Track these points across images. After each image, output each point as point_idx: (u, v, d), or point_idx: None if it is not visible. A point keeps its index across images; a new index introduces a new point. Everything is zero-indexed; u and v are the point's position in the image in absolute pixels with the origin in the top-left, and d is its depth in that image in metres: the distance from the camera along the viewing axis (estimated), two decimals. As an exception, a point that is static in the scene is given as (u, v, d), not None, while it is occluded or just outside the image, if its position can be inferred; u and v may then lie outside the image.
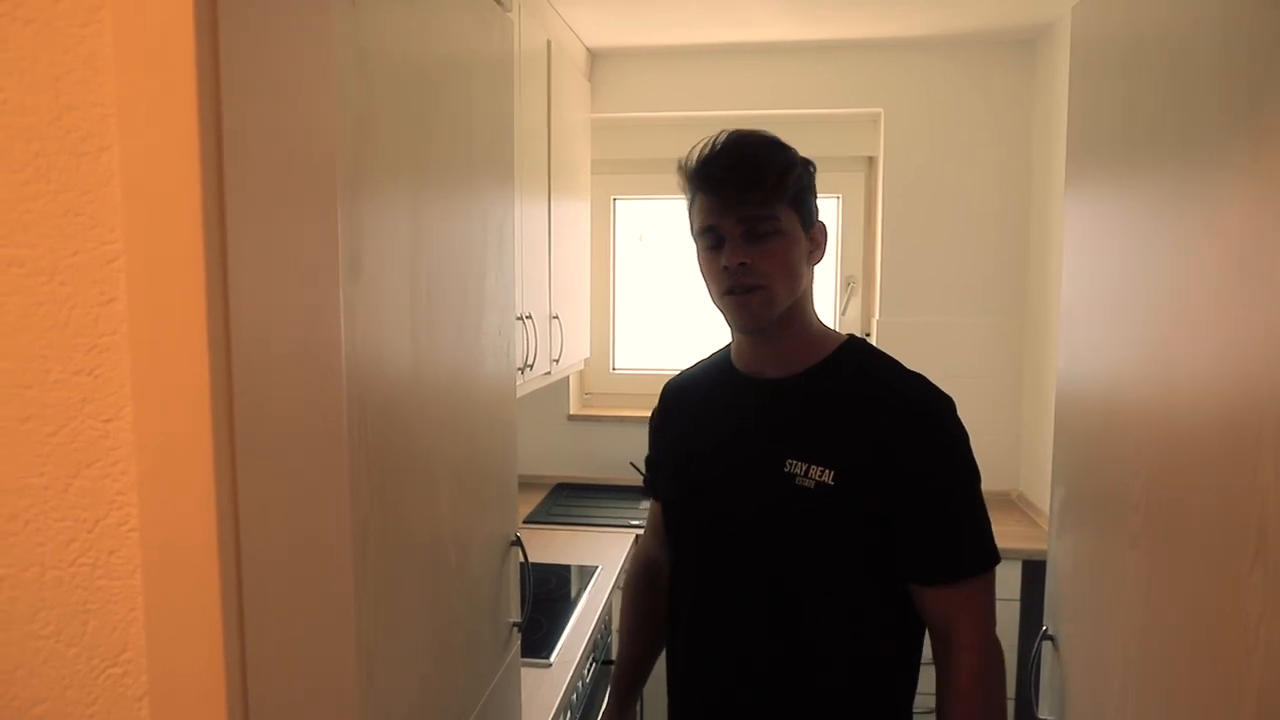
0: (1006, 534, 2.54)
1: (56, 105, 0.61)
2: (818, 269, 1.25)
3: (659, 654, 1.46)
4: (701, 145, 1.19)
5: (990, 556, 1.17)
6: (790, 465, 1.17)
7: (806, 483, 1.15)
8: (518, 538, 1.44)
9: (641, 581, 1.48)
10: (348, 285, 0.81)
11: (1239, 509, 0.86)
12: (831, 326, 1.30)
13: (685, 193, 1.23)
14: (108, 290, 0.62)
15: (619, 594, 2.39)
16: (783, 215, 1.16)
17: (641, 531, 2.65)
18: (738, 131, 1.20)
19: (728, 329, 1.28)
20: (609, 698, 1.50)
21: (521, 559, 1.45)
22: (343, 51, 0.80)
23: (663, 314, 3.37)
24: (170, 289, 0.60)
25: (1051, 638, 1.40)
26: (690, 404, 1.37)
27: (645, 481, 1.48)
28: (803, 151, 1.23)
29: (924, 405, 1.17)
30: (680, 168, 1.21)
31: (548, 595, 2.18)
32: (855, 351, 1.25)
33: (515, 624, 1.45)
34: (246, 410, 0.64)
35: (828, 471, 1.14)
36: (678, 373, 1.44)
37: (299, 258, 0.74)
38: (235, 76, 0.63)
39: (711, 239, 1.19)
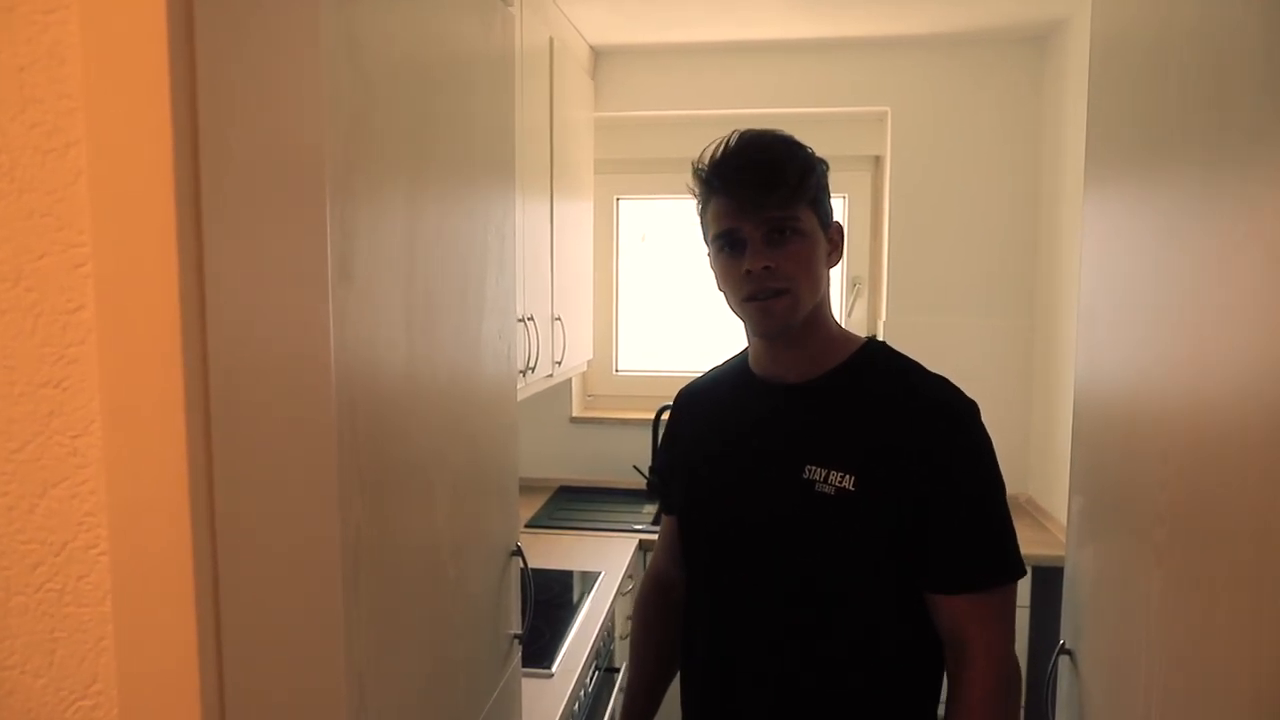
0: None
1: (20, 98, 0.57)
2: None
3: (671, 680, 1.42)
4: (715, 146, 1.15)
5: (1012, 568, 1.13)
6: (810, 471, 1.13)
7: (826, 488, 1.12)
8: (519, 547, 1.40)
9: (651, 603, 1.43)
10: (338, 289, 0.77)
11: (1278, 525, 0.82)
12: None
13: (698, 195, 1.19)
14: (75, 297, 0.58)
15: (622, 600, 2.36)
16: (803, 216, 1.13)
17: (645, 536, 2.67)
18: (751, 131, 1.16)
19: (742, 333, 1.25)
20: None
21: (522, 567, 1.41)
22: (332, 43, 0.76)
23: (666, 315, 3.33)
24: (142, 295, 0.56)
25: (1069, 652, 1.35)
26: (705, 410, 1.33)
27: (649, 485, 1.44)
28: None
29: (946, 407, 1.14)
30: (694, 170, 1.17)
31: (549, 602, 2.14)
32: (876, 354, 1.22)
33: (516, 636, 1.41)
34: (224, 423, 0.60)
35: (848, 477, 1.11)
36: (691, 380, 1.40)
37: (283, 260, 0.70)
38: (213, 68, 0.59)
39: (730, 242, 1.14)
